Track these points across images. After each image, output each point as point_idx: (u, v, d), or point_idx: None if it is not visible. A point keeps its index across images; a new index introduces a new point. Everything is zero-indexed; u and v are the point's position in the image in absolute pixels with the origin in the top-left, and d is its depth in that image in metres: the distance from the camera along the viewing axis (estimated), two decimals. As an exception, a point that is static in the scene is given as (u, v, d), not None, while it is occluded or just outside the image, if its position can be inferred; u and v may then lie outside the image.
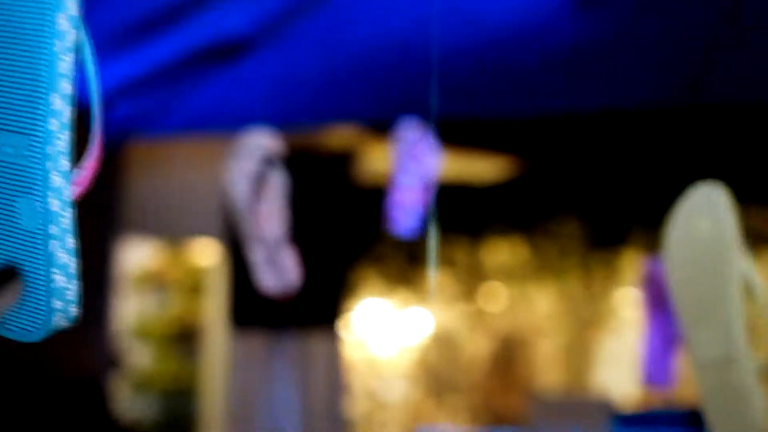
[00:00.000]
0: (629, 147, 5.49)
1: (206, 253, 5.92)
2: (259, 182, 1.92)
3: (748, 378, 1.36)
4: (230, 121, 3.35)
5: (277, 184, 1.91)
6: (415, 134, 2.60)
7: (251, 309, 5.11)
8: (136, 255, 6.17)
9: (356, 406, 6.75)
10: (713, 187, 1.40)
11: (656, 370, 2.94)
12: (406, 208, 2.57)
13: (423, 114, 2.57)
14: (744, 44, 2.82)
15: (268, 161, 1.93)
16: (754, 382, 1.36)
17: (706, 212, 1.40)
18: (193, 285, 6.33)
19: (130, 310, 6.24)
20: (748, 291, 1.37)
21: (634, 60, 2.92)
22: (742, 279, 1.38)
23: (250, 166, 1.90)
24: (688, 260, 1.41)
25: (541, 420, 4.49)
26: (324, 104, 3.31)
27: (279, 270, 1.90)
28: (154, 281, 6.53)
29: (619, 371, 6.47)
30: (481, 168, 6.07)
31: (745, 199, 5.24)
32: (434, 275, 6.14)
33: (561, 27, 2.69)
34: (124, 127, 3.64)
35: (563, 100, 3.22)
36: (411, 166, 2.56)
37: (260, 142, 1.94)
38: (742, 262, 1.39)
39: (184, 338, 6.41)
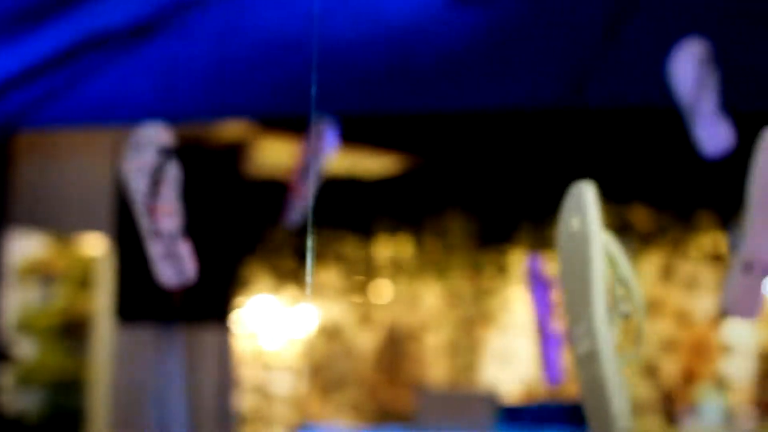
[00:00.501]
0: (517, 146, 5.57)
1: (95, 246, 5.87)
2: (155, 176, 1.93)
3: (609, 372, 1.41)
4: (122, 114, 3.34)
5: (173, 177, 1.91)
6: (313, 130, 2.62)
7: (140, 303, 5.09)
8: (23, 247, 6.09)
9: (245, 400, 6.75)
10: (585, 185, 1.45)
11: (548, 365, 3.00)
12: (303, 202, 2.60)
13: (316, 110, 2.60)
14: (626, 49, 2.89)
15: (164, 154, 1.93)
16: (615, 377, 1.41)
17: (575, 210, 1.45)
18: (81, 278, 6.27)
19: (16, 302, 6.17)
20: (623, 288, 1.42)
21: (521, 61, 2.97)
22: (606, 275, 1.43)
23: (146, 159, 1.91)
24: (565, 257, 1.46)
25: (427, 414, 4.54)
26: (217, 98, 3.31)
27: (177, 264, 1.91)
28: (40, 273, 6.46)
29: (506, 367, 6.56)
30: (372, 164, 6.12)
31: (629, 197, 5.33)
32: (312, 270, 6.15)
33: (448, 26, 2.73)
34: (13, 118, 3.60)
35: (452, 98, 3.26)
36: (310, 161, 2.59)
37: (155, 135, 1.95)
38: (607, 260, 1.44)
39: (71, 331, 6.34)
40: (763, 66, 2.95)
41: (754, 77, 2.95)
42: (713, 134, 2.55)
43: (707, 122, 2.57)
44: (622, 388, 1.40)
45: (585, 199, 1.44)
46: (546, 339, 2.90)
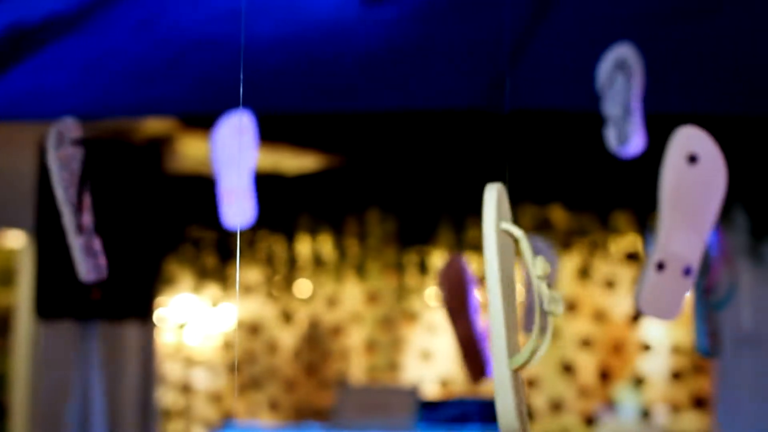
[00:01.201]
0: (438, 146, 5.62)
1: (16, 242, 5.82)
2: (76, 170, 1.94)
3: (502, 374, 1.46)
4: (44, 109, 3.32)
5: (87, 172, 1.92)
6: (233, 128, 2.63)
7: (61, 299, 5.05)
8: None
9: (167, 396, 6.74)
10: (489, 186, 1.48)
11: (469, 363, 3.04)
12: (232, 201, 2.60)
13: (239, 108, 2.61)
14: (545, 50, 2.94)
15: (82, 150, 1.94)
16: (506, 379, 1.45)
17: (487, 211, 1.48)
18: (2, 274, 6.22)
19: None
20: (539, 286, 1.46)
21: (441, 61, 3.00)
22: (508, 276, 1.47)
23: (66, 153, 1.91)
24: (485, 257, 1.49)
25: (347, 409, 4.56)
26: (138, 94, 3.31)
27: (94, 259, 1.92)
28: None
29: (427, 364, 6.61)
30: (294, 163, 6.13)
31: (549, 198, 5.40)
32: (239, 267, 6.16)
33: (369, 26, 2.75)
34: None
35: (373, 98, 3.29)
36: (232, 159, 2.60)
37: (73, 131, 1.96)
38: (511, 260, 1.47)
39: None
40: (679, 67, 3.01)
41: (671, 78, 3.01)
42: (627, 136, 2.60)
43: (622, 124, 2.62)
44: (510, 387, 1.43)
45: (485, 200, 1.48)
46: (465, 338, 2.93)
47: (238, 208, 2.63)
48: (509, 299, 1.46)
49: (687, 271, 1.93)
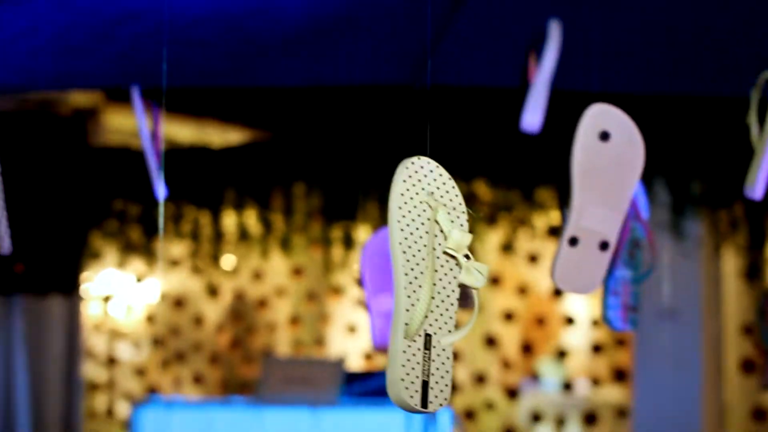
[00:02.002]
0: (363, 121, 5.64)
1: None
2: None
3: (394, 344, 1.48)
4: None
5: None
6: (152, 102, 2.63)
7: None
8: None
9: (92, 370, 6.71)
10: (409, 159, 1.50)
11: (380, 336, 3.06)
12: (154, 174, 2.61)
13: (162, 82, 2.61)
14: (467, 27, 2.96)
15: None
16: (396, 349, 1.47)
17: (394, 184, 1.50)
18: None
19: None
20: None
21: (366, 36, 3.01)
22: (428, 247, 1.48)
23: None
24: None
25: (272, 383, 4.58)
26: (61, 68, 3.28)
27: (4, 232, 1.92)
28: None
29: (352, 337, 6.65)
30: (219, 137, 6.12)
31: (474, 174, 5.43)
32: (160, 240, 6.14)
33: (292, 1, 2.75)
34: None
35: (298, 72, 3.29)
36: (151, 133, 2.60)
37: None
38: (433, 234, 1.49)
39: None
40: (602, 45, 3.05)
41: (594, 56, 3.05)
42: (538, 111, 2.63)
43: (538, 99, 2.65)
44: (399, 358, 1.46)
45: (396, 173, 1.50)
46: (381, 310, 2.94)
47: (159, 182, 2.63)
48: (418, 270, 1.47)
49: (603, 246, 1.97)
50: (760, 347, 2.94)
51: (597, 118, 1.95)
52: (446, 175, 1.52)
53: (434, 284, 1.47)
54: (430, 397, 1.47)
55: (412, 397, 1.46)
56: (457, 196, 1.52)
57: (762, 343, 2.95)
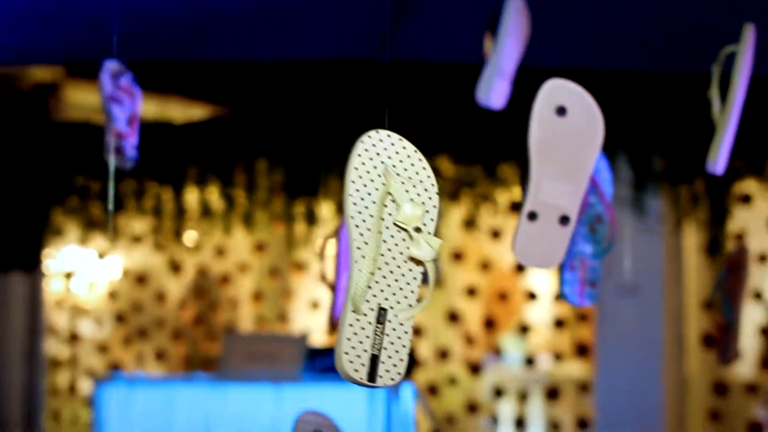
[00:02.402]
0: (325, 97, 5.62)
1: None
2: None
3: (342, 317, 1.48)
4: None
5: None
6: (115, 76, 2.61)
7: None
8: None
9: (54, 346, 6.68)
10: (368, 133, 1.50)
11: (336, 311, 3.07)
12: (119, 147, 2.59)
13: (122, 56, 2.59)
14: (429, 3, 2.96)
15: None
16: (343, 322, 1.47)
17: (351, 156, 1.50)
18: None
19: None
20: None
21: (328, 11, 3.01)
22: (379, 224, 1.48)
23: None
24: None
25: (235, 359, 4.57)
26: (19, 43, 3.27)
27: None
28: None
29: (315, 313, 6.65)
30: (181, 113, 6.09)
31: (437, 150, 5.42)
32: (119, 216, 6.12)
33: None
34: None
35: (260, 47, 3.28)
36: (115, 106, 2.58)
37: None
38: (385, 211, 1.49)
39: None
40: (566, 22, 3.05)
41: (559, 33, 3.05)
42: (498, 88, 2.63)
43: (491, 76, 2.65)
44: (344, 330, 1.46)
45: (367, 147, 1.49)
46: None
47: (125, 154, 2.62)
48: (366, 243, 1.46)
49: (563, 221, 1.97)
50: (720, 321, 2.95)
51: (553, 93, 1.95)
52: (410, 147, 1.51)
53: (381, 255, 1.46)
54: (380, 371, 1.46)
55: (356, 370, 1.46)
56: (424, 169, 1.50)
57: (722, 317, 2.97)
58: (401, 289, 1.48)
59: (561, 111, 1.94)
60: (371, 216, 1.46)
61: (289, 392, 4.37)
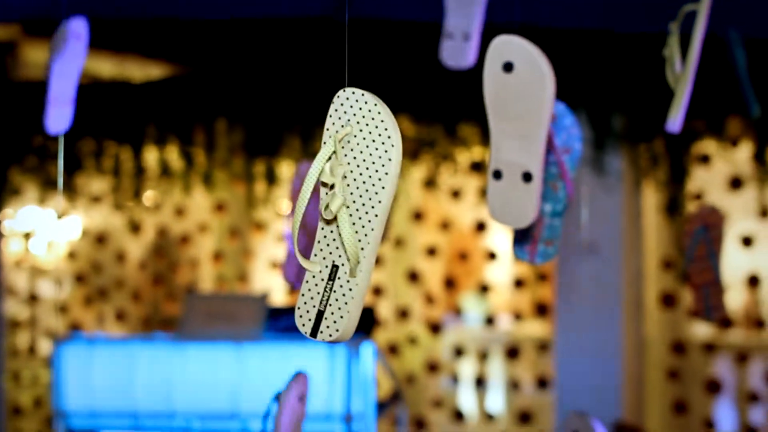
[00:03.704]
0: (285, 55, 5.59)
1: None
2: None
3: (311, 269, 1.49)
4: None
5: None
6: (68, 33, 2.59)
7: None
8: None
9: (13, 307, 6.65)
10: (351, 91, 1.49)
11: (291, 271, 3.07)
12: (59, 107, 2.57)
13: (78, 14, 2.57)
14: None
15: None
16: (305, 280, 1.49)
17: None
18: None
19: None
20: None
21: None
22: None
23: None
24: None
25: (195, 319, 4.57)
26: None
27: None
28: None
29: (276, 273, 6.64)
30: (140, 72, 6.05)
31: (397, 109, 5.42)
32: (74, 176, 6.09)
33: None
34: None
35: (219, 6, 3.26)
36: (63, 64, 2.56)
37: None
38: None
39: None
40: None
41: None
42: (454, 48, 2.63)
43: (452, 39, 2.64)
44: (303, 288, 1.48)
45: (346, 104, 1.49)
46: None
47: (60, 115, 2.60)
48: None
49: (527, 177, 1.97)
50: (700, 280, 2.96)
51: (500, 49, 1.94)
52: (372, 102, 1.50)
53: (322, 212, 1.48)
54: (321, 326, 1.49)
55: (303, 325, 1.49)
56: (386, 129, 1.50)
57: (710, 273, 2.97)
58: (364, 246, 1.49)
59: (508, 67, 1.94)
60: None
61: (250, 351, 4.37)
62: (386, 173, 1.47)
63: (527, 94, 1.93)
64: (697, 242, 2.94)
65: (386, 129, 1.48)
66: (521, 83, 1.93)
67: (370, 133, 1.48)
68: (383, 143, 1.48)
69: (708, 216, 2.97)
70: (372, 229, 1.47)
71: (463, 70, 2.69)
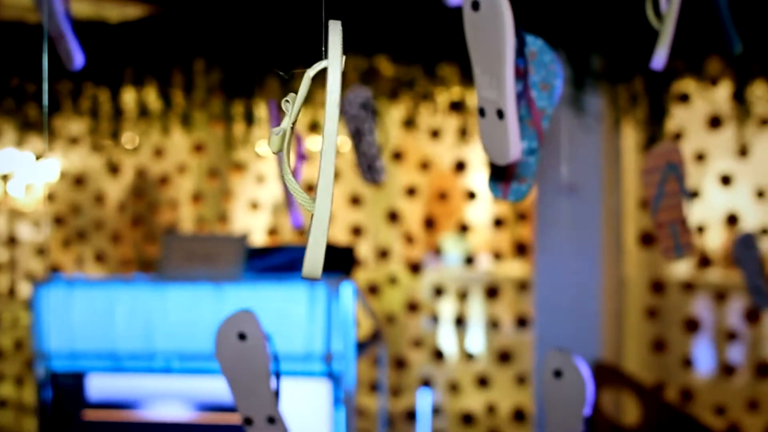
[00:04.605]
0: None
1: None
2: None
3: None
4: None
5: None
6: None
7: None
8: None
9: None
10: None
11: (293, 211, 3.08)
12: (69, 43, 2.55)
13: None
14: None
15: None
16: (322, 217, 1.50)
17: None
18: None
19: None
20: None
21: None
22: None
23: None
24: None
25: (174, 259, 4.57)
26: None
27: None
28: None
29: (255, 214, 6.64)
30: (116, 12, 6.00)
31: (375, 49, 5.39)
32: (54, 118, 6.06)
33: None
34: None
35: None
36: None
37: None
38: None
39: None
40: None
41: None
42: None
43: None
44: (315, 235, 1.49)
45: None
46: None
47: (75, 49, 2.59)
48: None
49: (500, 114, 1.97)
50: (666, 218, 2.96)
51: None
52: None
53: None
54: (305, 264, 1.52)
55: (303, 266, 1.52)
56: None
57: (678, 210, 2.98)
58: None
59: (475, 5, 1.96)
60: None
61: (229, 292, 4.37)
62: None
63: (490, 31, 1.95)
64: (665, 179, 2.94)
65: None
66: (485, 21, 1.95)
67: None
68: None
69: (672, 154, 2.97)
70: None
71: (450, 7, 2.68)
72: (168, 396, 4.47)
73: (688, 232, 2.96)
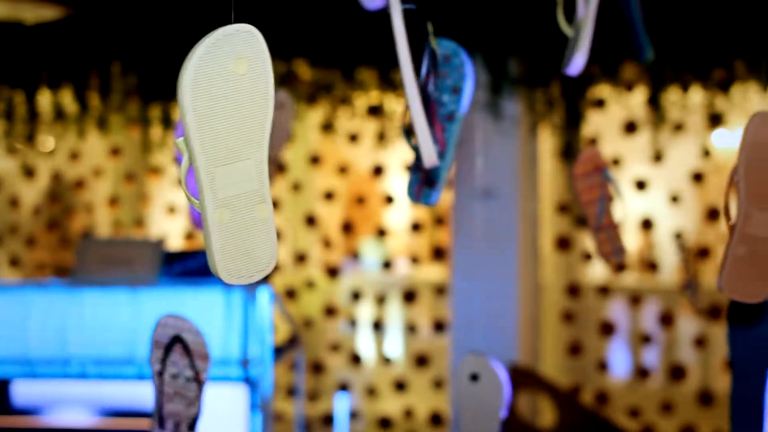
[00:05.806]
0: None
1: None
2: None
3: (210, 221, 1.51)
4: None
5: None
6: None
7: None
8: None
9: None
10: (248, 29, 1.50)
11: (193, 210, 3.06)
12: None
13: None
14: None
15: None
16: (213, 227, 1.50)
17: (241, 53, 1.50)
18: None
19: None
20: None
21: None
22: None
23: None
24: (217, 97, 1.51)
25: (90, 264, 4.52)
26: None
27: None
28: None
29: (172, 218, 6.60)
30: (32, 13, 5.94)
31: (293, 53, 5.38)
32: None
33: None
34: None
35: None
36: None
37: None
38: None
39: None
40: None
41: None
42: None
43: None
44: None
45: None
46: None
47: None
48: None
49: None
50: (601, 223, 2.98)
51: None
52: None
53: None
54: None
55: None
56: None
57: (604, 216, 3.00)
58: None
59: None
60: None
61: (146, 296, 4.34)
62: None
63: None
64: (602, 183, 2.97)
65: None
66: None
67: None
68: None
69: (597, 159, 3.00)
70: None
71: (372, 11, 2.68)
72: (81, 402, 4.42)
73: (620, 237, 3.00)
